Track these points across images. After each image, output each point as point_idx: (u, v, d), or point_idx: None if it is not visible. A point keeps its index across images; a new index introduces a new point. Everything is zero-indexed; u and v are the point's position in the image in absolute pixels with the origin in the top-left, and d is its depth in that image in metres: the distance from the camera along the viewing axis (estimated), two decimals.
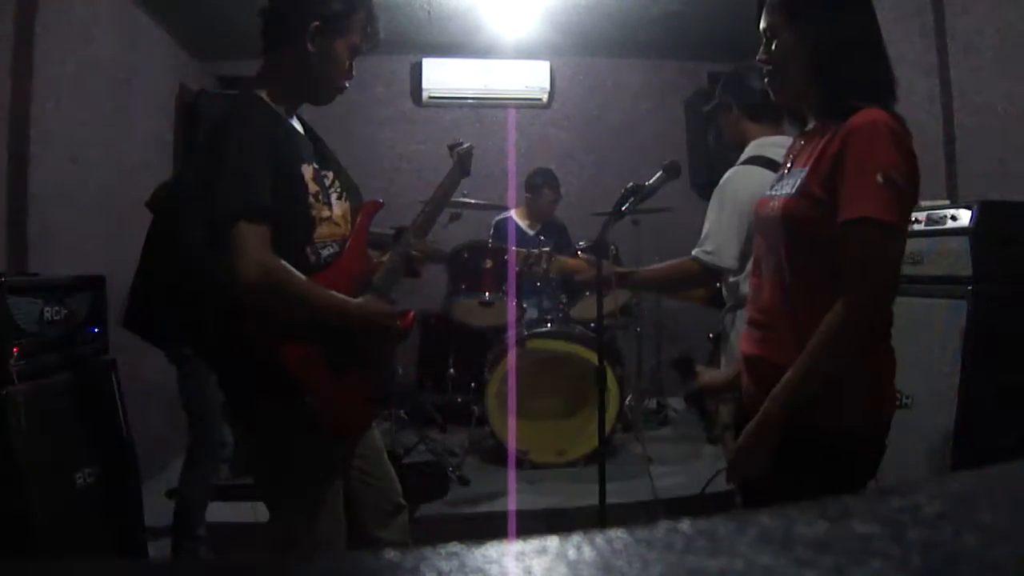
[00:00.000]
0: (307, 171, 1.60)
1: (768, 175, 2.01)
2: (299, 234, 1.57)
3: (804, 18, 1.42)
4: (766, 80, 1.50)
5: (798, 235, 1.38)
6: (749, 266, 2.06)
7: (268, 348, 1.51)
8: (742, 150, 2.25)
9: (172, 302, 2.55)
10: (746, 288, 2.04)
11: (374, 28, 1.69)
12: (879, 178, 1.25)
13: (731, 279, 2.15)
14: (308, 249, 1.59)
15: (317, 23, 1.59)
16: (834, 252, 1.30)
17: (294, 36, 1.60)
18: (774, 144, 2.16)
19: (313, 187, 1.60)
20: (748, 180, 2.09)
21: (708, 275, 2.13)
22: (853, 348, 1.29)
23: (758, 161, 2.13)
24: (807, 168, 1.38)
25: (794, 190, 1.39)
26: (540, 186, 4.46)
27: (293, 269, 1.50)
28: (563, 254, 2.70)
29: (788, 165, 1.50)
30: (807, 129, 1.49)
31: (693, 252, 2.11)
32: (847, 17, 1.40)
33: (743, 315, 2.06)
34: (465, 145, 2.03)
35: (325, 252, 1.62)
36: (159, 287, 2.62)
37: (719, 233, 2.08)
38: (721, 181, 2.17)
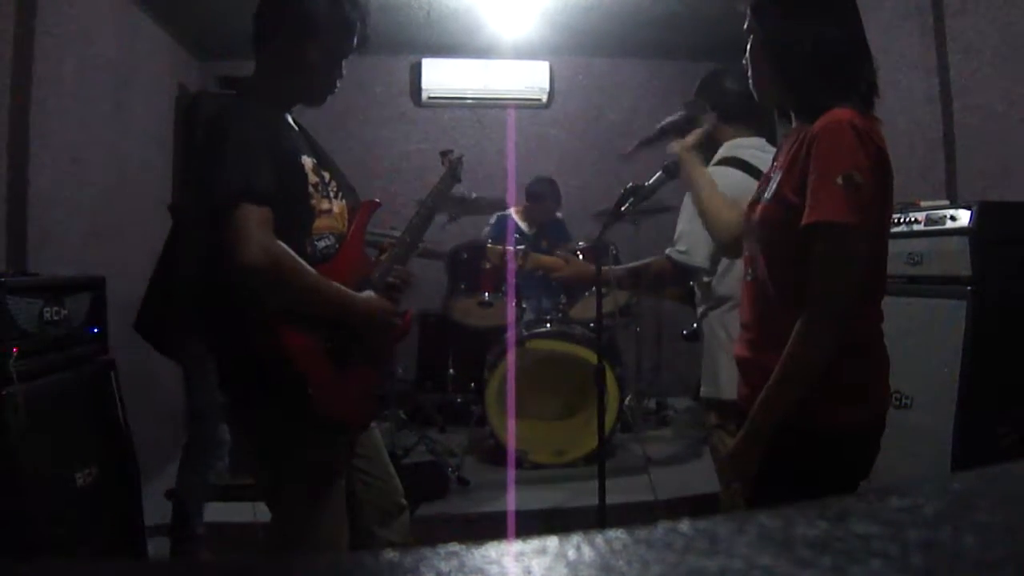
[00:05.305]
0: (307, 162, 1.62)
1: (741, 176, 2.04)
2: (298, 224, 1.57)
3: (770, 18, 1.42)
4: (749, 81, 1.50)
5: (775, 239, 1.38)
6: (721, 267, 2.07)
7: (270, 342, 1.50)
8: (716, 152, 2.27)
9: (179, 300, 2.60)
10: (721, 289, 2.06)
11: (351, 25, 1.66)
12: (839, 180, 1.23)
13: (704, 279, 2.16)
14: (306, 240, 1.59)
15: (285, 29, 1.61)
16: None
17: (269, 42, 1.63)
18: (748, 146, 2.17)
19: (313, 178, 1.61)
20: (722, 181, 2.11)
21: (681, 274, 2.14)
22: (824, 352, 1.28)
23: (731, 163, 2.15)
24: (781, 172, 1.38)
25: (770, 195, 1.39)
26: (542, 197, 4.44)
27: (297, 256, 1.49)
28: (561, 249, 2.71)
29: (773, 166, 1.50)
30: (790, 129, 1.49)
31: (666, 251, 2.12)
32: (810, 15, 1.38)
33: (718, 315, 2.08)
34: (456, 153, 2.04)
35: (320, 244, 1.62)
36: (169, 286, 2.66)
37: (692, 233, 2.08)
38: None
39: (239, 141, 1.49)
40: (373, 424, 1.81)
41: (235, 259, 1.41)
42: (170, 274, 2.73)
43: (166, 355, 2.72)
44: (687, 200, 2.16)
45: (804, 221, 1.27)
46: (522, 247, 2.33)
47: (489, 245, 2.59)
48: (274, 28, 1.62)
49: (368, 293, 1.65)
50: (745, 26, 1.47)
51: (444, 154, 2.05)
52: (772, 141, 2.14)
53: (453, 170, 2.01)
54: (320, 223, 1.62)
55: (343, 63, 1.69)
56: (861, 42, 1.40)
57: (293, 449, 1.58)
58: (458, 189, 2.13)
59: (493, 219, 4.48)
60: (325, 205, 1.64)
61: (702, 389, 2.22)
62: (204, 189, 1.51)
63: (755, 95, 1.51)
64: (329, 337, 1.58)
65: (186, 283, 2.62)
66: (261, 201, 1.44)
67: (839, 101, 1.31)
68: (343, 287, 1.58)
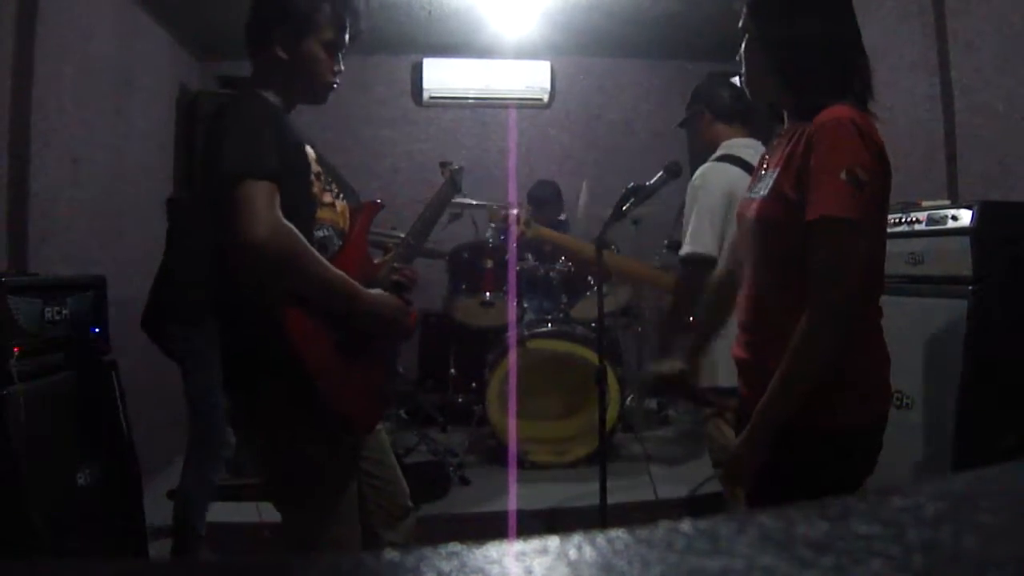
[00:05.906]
0: (311, 151, 1.60)
1: (738, 172, 2.07)
2: (302, 210, 1.54)
3: (764, 15, 1.41)
4: (742, 80, 1.50)
5: (773, 237, 1.37)
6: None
7: (276, 333, 1.47)
8: (713, 152, 2.33)
9: (178, 295, 2.60)
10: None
11: (343, 18, 1.65)
12: (842, 175, 1.23)
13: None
14: (311, 228, 1.57)
15: (280, 28, 1.60)
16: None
17: (264, 43, 1.62)
18: (744, 145, 2.22)
19: (315, 167, 1.60)
20: (720, 176, 2.16)
21: (694, 275, 2.13)
22: (829, 350, 1.27)
23: (728, 159, 2.19)
24: (778, 169, 1.37)
25: (767, 192, 1.38)
26: (545, 203, 4.39)
27: (303, 237, 1.46)
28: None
29: (765, 166, 1.50)
30: (783, 129, 1.48)
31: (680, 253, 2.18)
32: (806, 13, 1.37)
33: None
34: (455, 164, 2.04)
35: (319, 234, 1.59)
36: (168, 282, 2.67)
37: (698, 230, 2.15)
38: (694, 178, 2.22)
39: (242, 125, 1.47)
40: (379, 426, 1.80)
41: (240, 237, 1.36)
42: (170, 270, 2.74)
43: (167, 353, 2.72)
44: (688, 199, 2.19)
45: (808, 217, 1.27)
46: (518, 211, 2.34)
47: (492, 207, 2.60)
48: (266, 32, 1.61)
49: (377, 290, 1.64)
50: (740, 24, 1.47)
51: (443, 165, 2.03)
52: (768, 144, 2.16)
53: (453, 181, 2.00)
54: (322, 214, 1.60)
55: (340, 56, 1.68)
56: (856, 40, 1.40)
57: (299, 447, 1.56)
58: (459, 198, 2.13)
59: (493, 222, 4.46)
60: (327, 198, 1.63)
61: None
62: (208, 174, 1.49)
63: (748, 93, 1.51)
64: (337, 331, 1.56)
65: (186, 277, 2.63)
66: (267, 177, 1.41)
67: (834, 99, 1.31)
68: (348, 277, 1.55)
